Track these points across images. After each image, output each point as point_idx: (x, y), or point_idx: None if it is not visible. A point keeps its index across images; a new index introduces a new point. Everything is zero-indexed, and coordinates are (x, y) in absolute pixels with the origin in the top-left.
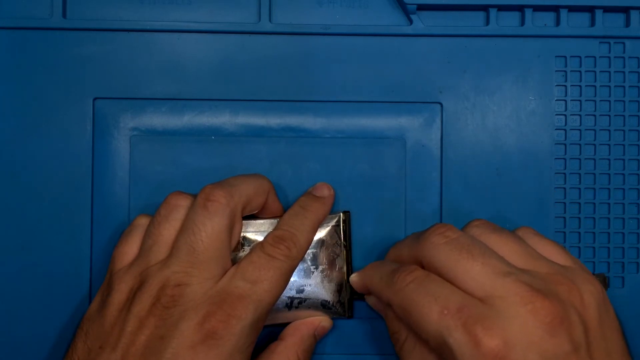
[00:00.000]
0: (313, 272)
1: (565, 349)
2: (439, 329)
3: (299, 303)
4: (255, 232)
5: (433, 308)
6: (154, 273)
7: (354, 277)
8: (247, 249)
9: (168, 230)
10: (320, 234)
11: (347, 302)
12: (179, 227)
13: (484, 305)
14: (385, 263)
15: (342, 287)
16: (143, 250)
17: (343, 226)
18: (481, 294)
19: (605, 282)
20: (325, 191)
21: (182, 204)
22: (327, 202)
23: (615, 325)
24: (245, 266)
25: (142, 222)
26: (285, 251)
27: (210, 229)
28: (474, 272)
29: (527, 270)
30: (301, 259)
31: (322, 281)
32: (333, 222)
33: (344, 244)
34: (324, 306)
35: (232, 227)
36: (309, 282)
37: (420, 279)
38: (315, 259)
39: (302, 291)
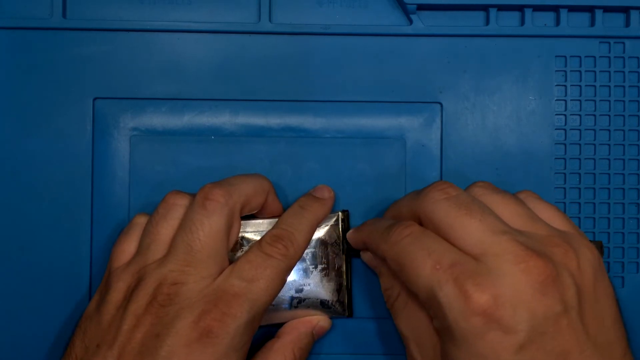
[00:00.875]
0: (312, 271)
1: (555, 309)
2: (430, 283)
3: (298, 302)
4: (254, 231)
5: (426, 262)
6: (151, 271)
7: (350, 233)
8: (245, 248)
9: (166, 229)
10: (319, 233)
11: (346, 302)
12: (177, 226)
13: (478, 263)
14: (382, 219)
15: (342, 287)
16: (141, 248)
17: (342, 225)
18: (476, 251)
19: (601, 249)
20: (325, 193)
21: (180, 202)
22: (326, 204)
23: (610, 292)
24: (242, 265)
25: (141, 220)
26: (283, 250)
27: (208, 227)
28: (471, 228)
29: (524, 231)
30: (299, 258)
31: (321, 280)
32: (332, 222)
33: (344, 242)
34: (323, 305)
35: (231, 227)
36: (308, 281)
37: (416, 234)
38: (314, 259)
39: (301, 290)
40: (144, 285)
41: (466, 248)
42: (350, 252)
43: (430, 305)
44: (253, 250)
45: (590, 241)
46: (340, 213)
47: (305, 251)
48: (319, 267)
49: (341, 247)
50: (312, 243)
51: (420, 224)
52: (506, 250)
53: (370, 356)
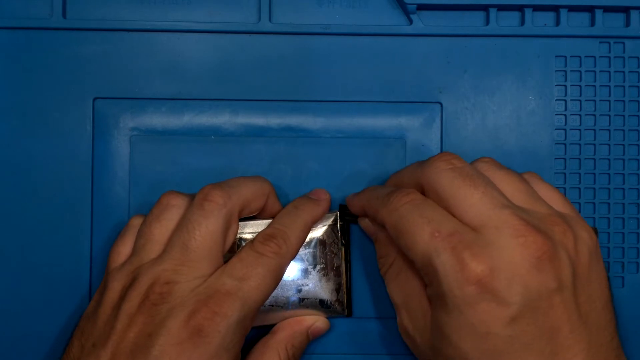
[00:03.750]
0: (311, 271)
1: (550, 286)
2: (427, 250)
3: (298, 302)
4: (252, 232)
5: (425, 229)
6: (145, 271)
7: (350, 197)
8: None
9: (159, 229)
10: (318, 233)
11: (345, 301)
12: (171, 226)
13: (476, 234)
14: (383, 186)
15: (341, 286)
16: (136, 249)
17: (340, 224)
18: (476, 222)
19: (596, 234)
20: (321, 195)
21: (173, 203)
22: (321, 205)
23: (603, 275)
24: (234, 263)
25: (137, 222)
26: (275, 248)
27: (205, 228)
28: (473, 199)
29: (525, 208)
30: (292, 257)
31: (320, 280)
32: (330, 221)
33: (342, 242)
34: (322, 305)
35: (228, 228)
36: (307, 281)
37: (416, 202)
38: (313, 259)
39: (300, 291)
40: (138, 284)
41: (466, 219)
42: (348, 217)
43: (425, 272)
44: (245, 249)
45: None
46: (338, 212)
47: (304, 251)
48: (318, 267)
49: (339, 246)
50: (311, 243)
51: (422, 193)
52: (506, 223)
53: (369, 356)
